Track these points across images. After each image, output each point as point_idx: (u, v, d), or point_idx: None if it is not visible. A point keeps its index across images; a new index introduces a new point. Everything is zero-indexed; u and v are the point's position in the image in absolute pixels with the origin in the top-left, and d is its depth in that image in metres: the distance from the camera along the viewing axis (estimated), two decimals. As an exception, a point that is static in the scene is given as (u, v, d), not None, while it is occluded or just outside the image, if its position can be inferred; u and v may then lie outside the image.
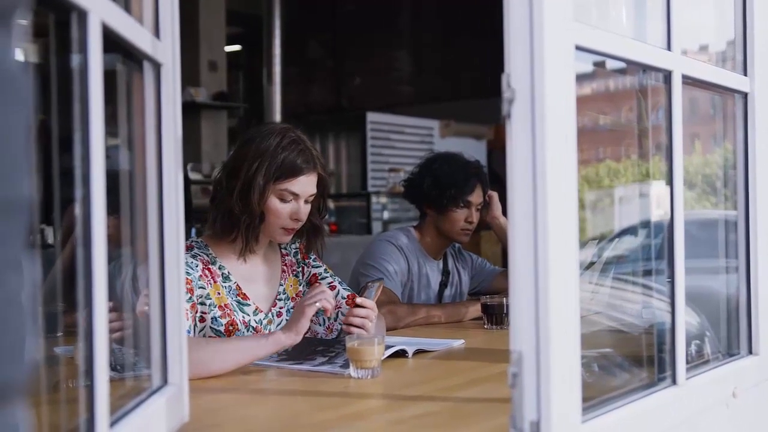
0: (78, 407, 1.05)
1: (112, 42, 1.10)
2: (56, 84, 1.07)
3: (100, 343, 1.00)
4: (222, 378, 1.89)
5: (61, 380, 1.36)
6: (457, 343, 2.32)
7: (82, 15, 0.98)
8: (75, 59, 1.01)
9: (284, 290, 2.33)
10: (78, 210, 1.00)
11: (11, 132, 0.56)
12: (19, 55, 0.59)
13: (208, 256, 2.18)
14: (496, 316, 2.62)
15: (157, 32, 1.34)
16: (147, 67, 1.32)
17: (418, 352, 2.16)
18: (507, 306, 2.62)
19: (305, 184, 2.18)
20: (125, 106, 1.34)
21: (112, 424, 1.08)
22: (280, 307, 2.30)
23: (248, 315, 2.20)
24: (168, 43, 1.36)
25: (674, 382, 1.48)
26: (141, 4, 1.31)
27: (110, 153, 1.10)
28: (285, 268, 2.35)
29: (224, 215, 2.18)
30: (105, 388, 1.01)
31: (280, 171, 2.14)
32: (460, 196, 2.96)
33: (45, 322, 1.35)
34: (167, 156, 1.36)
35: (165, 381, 1.36)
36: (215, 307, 2.14)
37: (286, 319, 2.27)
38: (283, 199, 2.17)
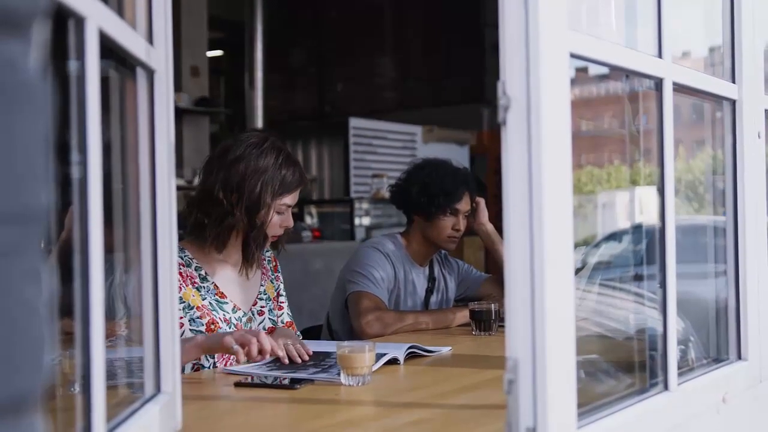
0: (70, 415, 1.04)
1: (106, 48, 1.09)
2: (51, 89, 1.06)
3: (97, 352, 0.99)
4: (215, 386, 1.89)
5: (52, 388, 1.35)
6: (446, 350, 2.32)
7: (80, 21, 0.97)
8: (72, 65, 1.00)
9: (264, 290, 2.41)
10: (75, 216, 0.99)
11: (31, 141, 0.56)
12: (37, 64, 0.59)
13: (182, 258, 2.21)
14: (484, 322, 2.62)
15: (150, 39, 1.33)
16: (140, 73, 1.32)
17: (410, 356, 2.16)
18: (495, 312, 2.63)
19: (297, 195, 2.32)
20: (118, 112, 1.33)
21: (108, 433, 1.07)
22: (262, 306, 2.38)
23: (228, 313, 2.25)
24: (161, 50, 1.36)
25: (666, 387, 1.49)
26: (134, 10, 1.30)
27: (102, 159, 1.09)
28: (264, 270, 2.43)
29: (227, 231, 2.23)
30: (102, 396, 1.00)
31: (282, 188, 2.25)
32: (449, 204, 2.95)
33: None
34: (160, 162, 1.35)
35: (158, 389, 1.35)
36: (192, 309, 2.19)
37: (269, 318, 2.38)
38: (279, 212, 2.28)
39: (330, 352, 2.17)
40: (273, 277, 2.47)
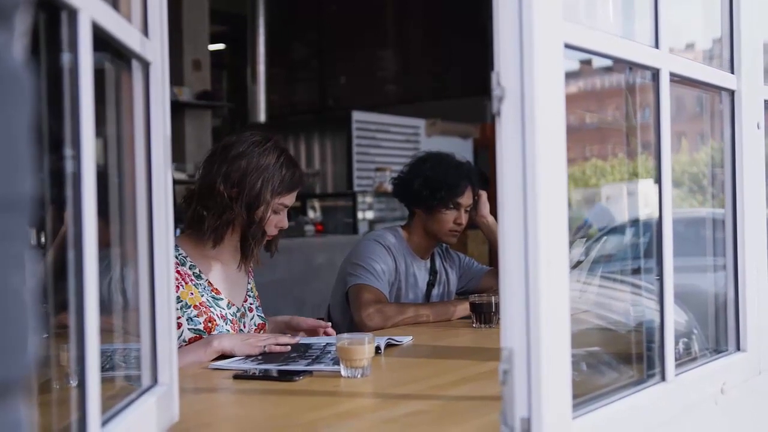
0: (67, 408, 1.05)
1: (101, 40, 1.09)
2: (44, 82, 1.06)
3: (91, 344, 1.00)
4: (212, 378, 1.89)
5: (49, 381, 1.35)
6: (406, 340, 2.35)
7: (73, 13, 0.97)
8: (65, 57, 1.00)
9: (251, 288, 2.45)
10: (68, 210, 1.00)
11: (15, 130, 0.56)
12: (20, 54, 0.59)
13: (177, 257, 2.22)
14: (485, 314, 2.63)
15: (145, 31, 1.33)
16: (135, 65, 1.32)
17: (389, 346, 2.22)
18: (495, 304, 2.63)
19: (294, 197, 2.35)
20: (113, 105, 1.33)
21: (104, 423, 1.07)
22: (250, 303, 2.42)
23: (223, 309, 2.29)
24: (157, 42, 1.36)
25: (663, 378, 1.49)
26: (129, 2, 1.30)
27: (97, 153, 1.09)
28: (250, 270, 2.47)
29: (224, 225, 2.25)
30: (96, 388, 1.00)
31: (282, 187, 2.28)
32: (450, 198, 2.95)
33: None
34: (156, 155, 1.35)
35: (155, 381, 1.35)
36: (189, 307, 2.21)
37: (258, 315, 2.42)
38: (276, 212, 2.30)
39: (311, 343, 2.22)
40: (253, 277, 2.52)
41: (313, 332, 2.41)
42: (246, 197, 2.23)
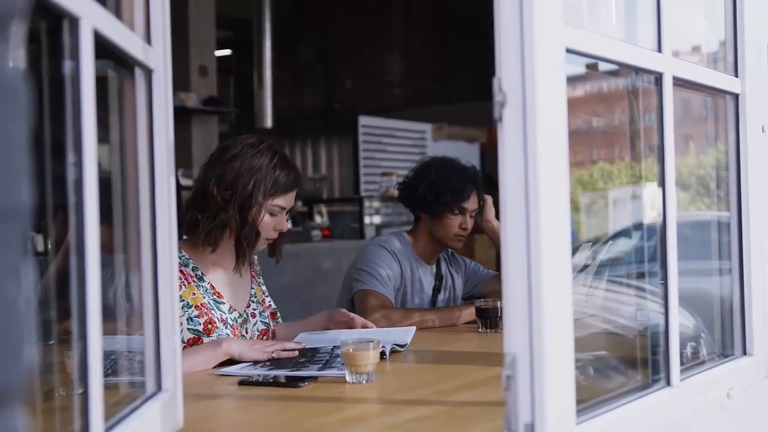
0: (71, 415, 1.05)
1: (103, 48, 1.10)
2: (47, 90, 1.07)
3: (94, 351, 1.00)
4: (216, 384, 1.89)
5: (55, 388, 1.35)
6: (410, 334, 2.37)
7: (74, 22, 0.98)
8: (66, 65, 1.00)
9: (254, 294, 2.44)
10: (71, 217, 1.00)
11: (12, 139, 0.56)
12: (16, 63, 0.59)
13: (180, 258, 2.23)
14: (490, 319, 2.62)
15: (148, 38, 1.33)
16: (138, 73, 1.32)
17: (394, 352, 2.21)
18: (501, 309, 2.62)
19: (292, 199, 2.34)
20: (116, 112, 1.33)
21: (107, 430, 1.07)
22: (254, 309, 2.42)
23: (224, 313, 2.29)
24: (159, 49, 1.36)
25: (668, 383, 1.49)
26: (132, 10, 1.31)
27: (101, 159, 1.09)
28: (254, 274, 2.47)
29: (219, 227, 2.25)
30: (99, 395, 1.01)
31: (275, 188, 2.27)
32: (456, 203, 2.95)
33: (38, 329, 1.35)
34: (159, 162, 1.36)
35: (159, 387, 1.36)
36: (191, 307, 2.22)
37: (261, 321, 2.42)
38: (272, 214, 2.29)
39: (318, 347, 2.21)
40: (260, 281, 2.51)
41: (349, 325, 2.43)
42: (238, 198, 2.23)
